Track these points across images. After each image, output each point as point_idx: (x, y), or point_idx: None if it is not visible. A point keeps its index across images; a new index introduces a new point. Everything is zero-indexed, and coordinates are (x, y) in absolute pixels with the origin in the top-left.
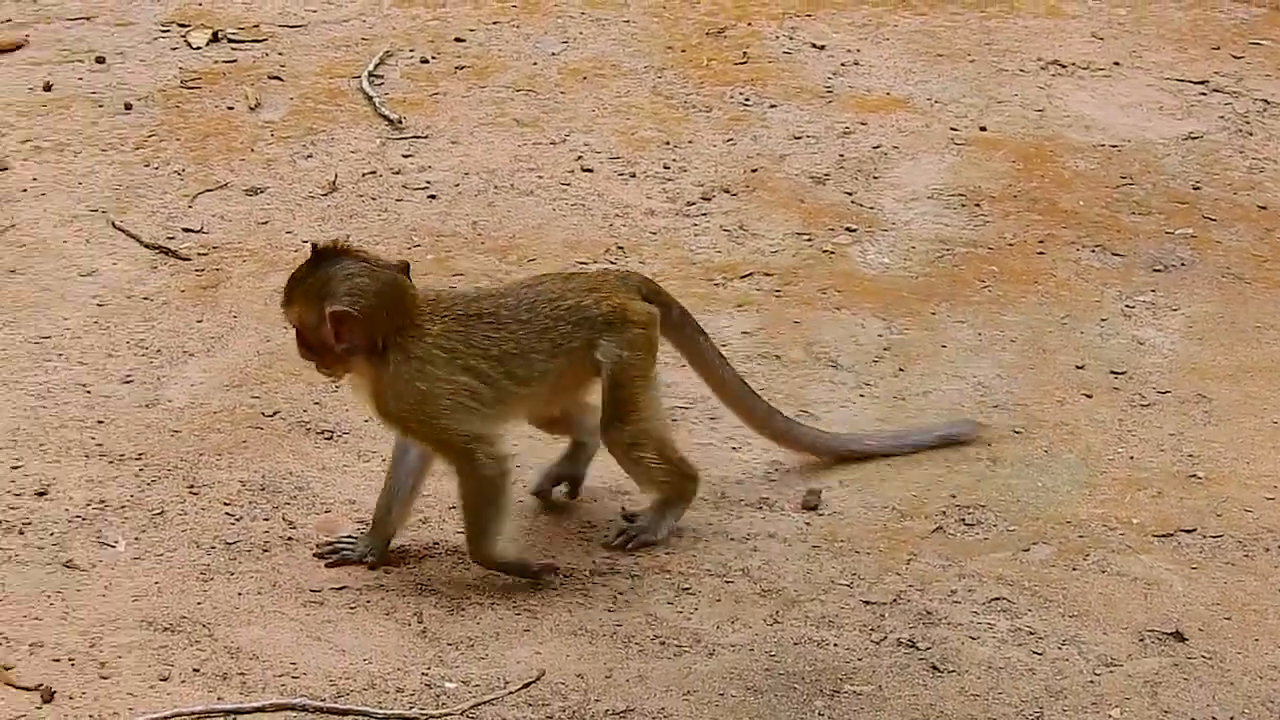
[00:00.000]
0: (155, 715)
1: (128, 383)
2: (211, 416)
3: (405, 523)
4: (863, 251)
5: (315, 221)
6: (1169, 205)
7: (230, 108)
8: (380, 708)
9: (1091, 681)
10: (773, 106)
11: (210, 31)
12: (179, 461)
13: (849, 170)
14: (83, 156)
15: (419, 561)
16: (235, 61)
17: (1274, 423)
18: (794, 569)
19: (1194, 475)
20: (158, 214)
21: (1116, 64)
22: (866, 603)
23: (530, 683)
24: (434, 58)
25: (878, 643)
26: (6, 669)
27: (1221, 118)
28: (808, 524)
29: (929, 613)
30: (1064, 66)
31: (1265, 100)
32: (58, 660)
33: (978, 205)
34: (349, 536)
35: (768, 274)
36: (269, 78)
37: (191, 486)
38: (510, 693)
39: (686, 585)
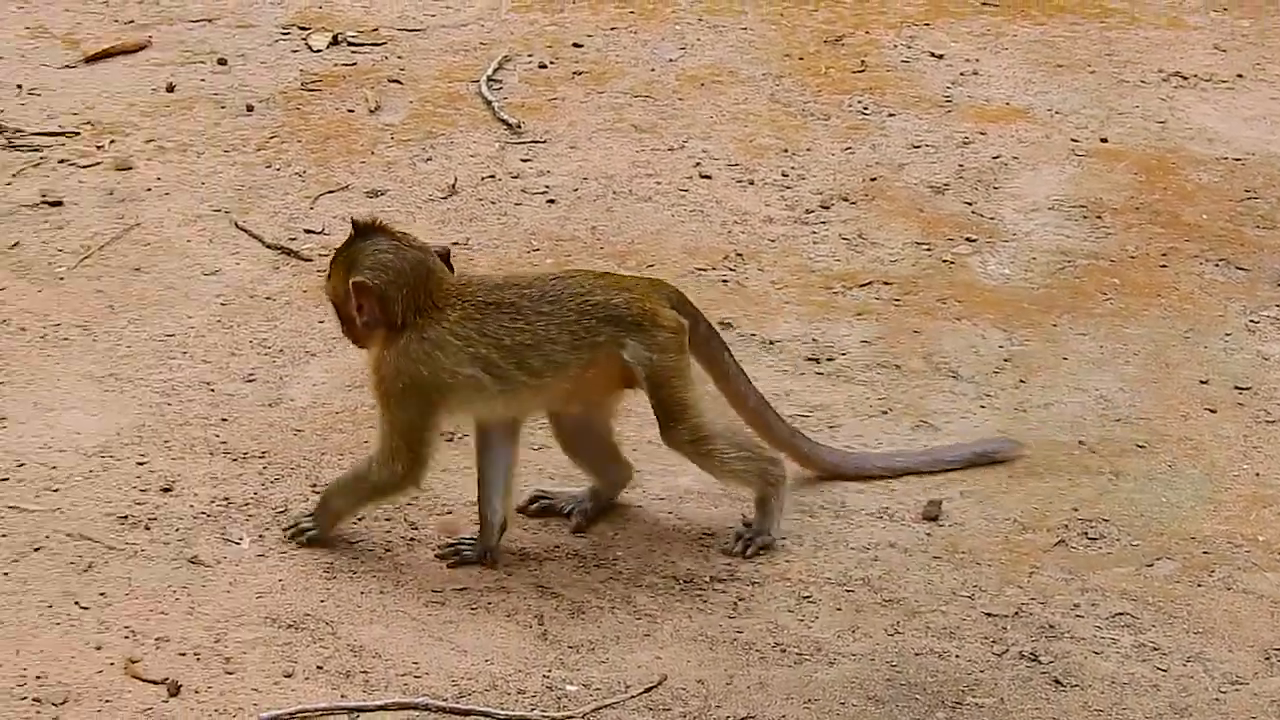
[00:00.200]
0: (280, 711)
1: (250, 381)
2: (334, 416)
3: (510, 511)
4: (983, 262)
5: (435, 224)
6: None
7: (350, 110)
8: (502, 709)
9: (1217, 699)
10: (891, 115)
11: (330, 34)
12: (301, 460)
13: (968, 180)
14: (205, 157)
15: (539, 564)
16: (355, 64)
17: None
18: (915, 579)
19: None
20: (279, 215)
21: (1240, 76)
22: (988, 615)
23: (652, 687)
24: (552, 63)
25: (999, 655)
26: (134, 662)
27: None
28: (928, 534)
29: (1051, 626)
30: (1186, 78)
31: None
32: (184, 654)
33: (1099, 217)
34: (469, 538)
35: (887, 283)
36: (388, 81)
37: (314, 485)
38: (631, 697)
39: (807, 594)
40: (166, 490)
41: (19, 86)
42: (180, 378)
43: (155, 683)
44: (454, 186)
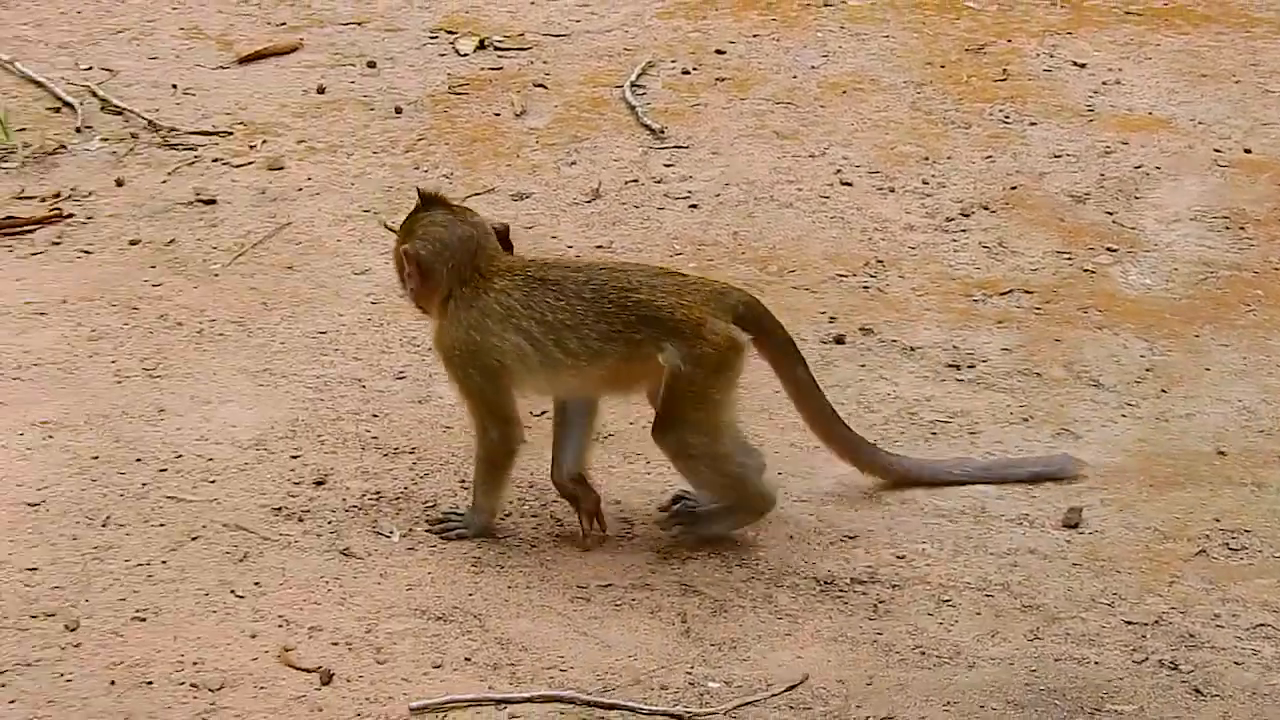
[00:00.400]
0: (430, 701)
1: (400, 379)
2: None
3: (587, 464)
4: (1124, 272)
5: (579, 227)
6: None
7: (496, 114)
8: (645, 704)
9: None
10: (1032, 124)
11: (477, 39)
12: (450, 457)
13: (1110, 190)
14: (355, 158)
15: (683, 563)
16: (501, 69)
17: None
18: (1054, 586)
19: None
20: None
21: None
22: (1128, 623)
23: (793, 686)
24: (695, 69)
25: (1139, 663)
26: (287, 650)
27: None
28: (1068, 541)
29: (1191, 635)
30: None
31: None
32: (335, 644)
33: (1242, 228)
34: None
35: (1028, 291)
36: (534, 85)
37: (463, 481)
38: (773, 695)
39: (947, 598)
40: (319, 483)
41: (174, 86)
42: (332, 374)
43: (308, 670)
44: (598, 190)
